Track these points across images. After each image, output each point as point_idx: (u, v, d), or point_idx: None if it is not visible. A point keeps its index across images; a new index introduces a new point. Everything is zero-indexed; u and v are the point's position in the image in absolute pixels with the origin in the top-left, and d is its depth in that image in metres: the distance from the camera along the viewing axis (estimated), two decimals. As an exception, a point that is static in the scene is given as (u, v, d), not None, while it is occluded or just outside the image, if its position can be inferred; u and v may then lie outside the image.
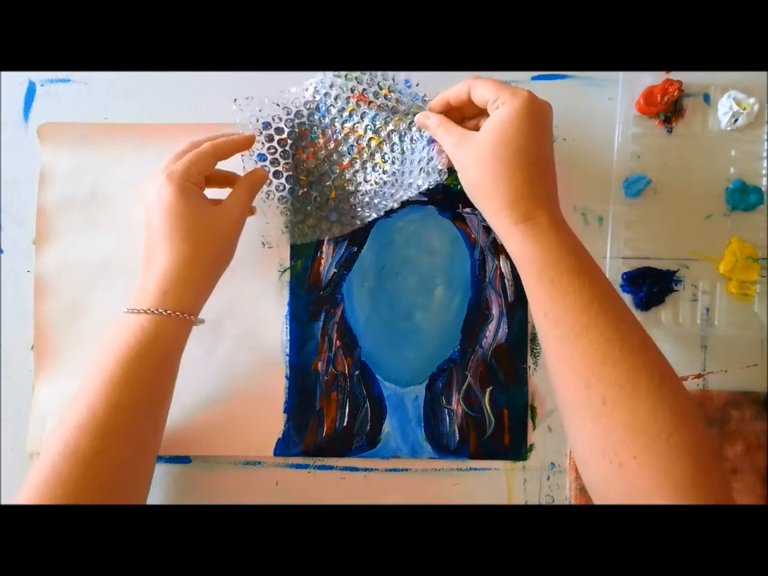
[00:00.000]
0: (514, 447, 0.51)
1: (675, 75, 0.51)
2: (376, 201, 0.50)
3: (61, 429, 0.40)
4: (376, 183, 0.50)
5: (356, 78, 0.49)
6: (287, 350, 0.51)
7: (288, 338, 0.51)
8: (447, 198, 0.52)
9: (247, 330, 0.52)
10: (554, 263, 0.40)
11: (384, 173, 0.50)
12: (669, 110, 0.51)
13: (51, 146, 0.53)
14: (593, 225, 0.52)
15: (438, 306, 0.51)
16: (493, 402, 0.51)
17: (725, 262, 0.51)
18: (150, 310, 0.42)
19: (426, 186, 0.48)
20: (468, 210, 0.52)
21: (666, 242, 0.51)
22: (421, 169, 0.48)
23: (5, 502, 0.51)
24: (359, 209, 0.51)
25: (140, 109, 0.53)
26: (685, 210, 0.51)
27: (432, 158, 0.48)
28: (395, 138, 0.49)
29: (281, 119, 0.50)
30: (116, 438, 0.39)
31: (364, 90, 0.49)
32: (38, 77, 0.53)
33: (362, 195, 0.50)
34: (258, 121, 0.50)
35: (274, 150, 0.50)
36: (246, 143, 0.48)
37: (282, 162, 0.50)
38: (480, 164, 0.42)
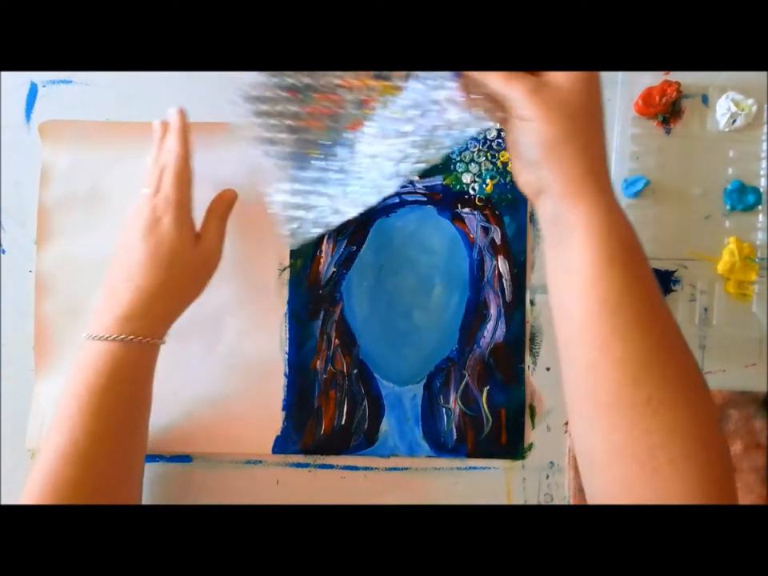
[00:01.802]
0: (511, 446, 0.51)
1: (674, 76, 0.51)
2: (402, 166, 0.42)
3: (42, 458, 0.40)
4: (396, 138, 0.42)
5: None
6: (286, 349, 0.51)
7: (287, 336, 0.52)
8: (446, 197, 0.52)
9: (246, 328, 0.52)
10: (629, 245, 0.36)
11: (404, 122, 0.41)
12: (667, 111, 0.51)
13: (52, 144, 0.53)
14: (592, 225, 0.52)
15: (436, 306, 0.52)
16: (490, 402, 0.51)
17: (723, 262, 0.51)
18: (115, 336, 0.41)
19: (470, 133, 0.41)
20: (467, 209, 0.52)
21: (664, 243, 0.51)
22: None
23: (5, 501, 0.51)
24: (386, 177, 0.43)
25: (141, 110, 0.53)
26: (683, 210, 0.51)
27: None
28: (411, 83, 0.42)
29: (266, 86, 0.43)
30: (99, 466, 0.40)
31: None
32: (40, 77, 0.53)
33: (381, 160, 0.43)
34: (241, 97, 0.43)
35: (268, 126, 0.43)
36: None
37: (282, 136, 0.43)
38: (572, 115, 0.37)
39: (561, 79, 0.38)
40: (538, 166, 0.37)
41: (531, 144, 0.37)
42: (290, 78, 0.43)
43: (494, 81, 0.40)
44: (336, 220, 0.44)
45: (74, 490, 0.39)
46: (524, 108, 0.37)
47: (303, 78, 0.43)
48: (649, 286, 0.36)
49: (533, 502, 0.51)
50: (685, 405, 0.34)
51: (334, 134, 0.43)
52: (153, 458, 0.50)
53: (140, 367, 0.43)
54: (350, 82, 0.42)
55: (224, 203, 0.48)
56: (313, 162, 0.44)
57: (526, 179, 0.39)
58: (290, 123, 0.43)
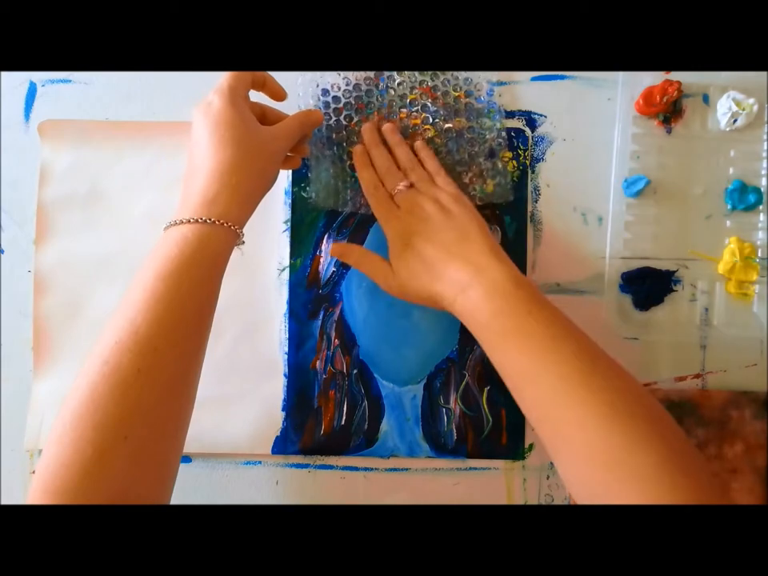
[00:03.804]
0: (512, 447, 0.51)
1: (674, 76, 0.51)
2: None
3: (99, 347, 0.37)
4: None
5: (431, 76, 0.51)
6: (286, 349, 0.51)
7: (287, 336, 0.51)
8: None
9: (246, 328, 0.52)
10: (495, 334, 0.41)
11: None
12: (668, 111, 0.51)
13: (51, 143, 0.53)
14: (592, 225, 0.52)
15: (436, 306, 0.51)
16: (490, 402, 0.51)
17: (724, 262, 0.51)
18: (193, 219, 0.39)
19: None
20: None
21: (665, 242, 0.51)
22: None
23: (5, 501, 0.51)
24: None
25: (140, 109, 0.53)
26: (684, 210, 0.51)
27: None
28: (451, 135, 0.51)
29: (339, 88, 0.52)
30: (159, 356, 0.37)
31: (434, 86, 0.51)
32: (39, 77, 0.53)
33: None
34: (317, 86, 0.52)
35: (328, 118, 0.51)
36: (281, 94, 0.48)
37: (335, 131, 0.52)
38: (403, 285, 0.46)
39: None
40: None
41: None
42: (363, 92, 0.52)
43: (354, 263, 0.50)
44: None
45: (134, 379, 0.35)
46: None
47: (375, 94, 0.52)
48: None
49: (533, 502, 0.51)
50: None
51: None
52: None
53: (215, 255, 0.40)
54: (411, 117, 0.52)
55: (309, 114, 0.48)
56: None
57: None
58: (345, 124, 0.52)
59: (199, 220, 0.39)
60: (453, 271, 0.43)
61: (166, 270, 0.38)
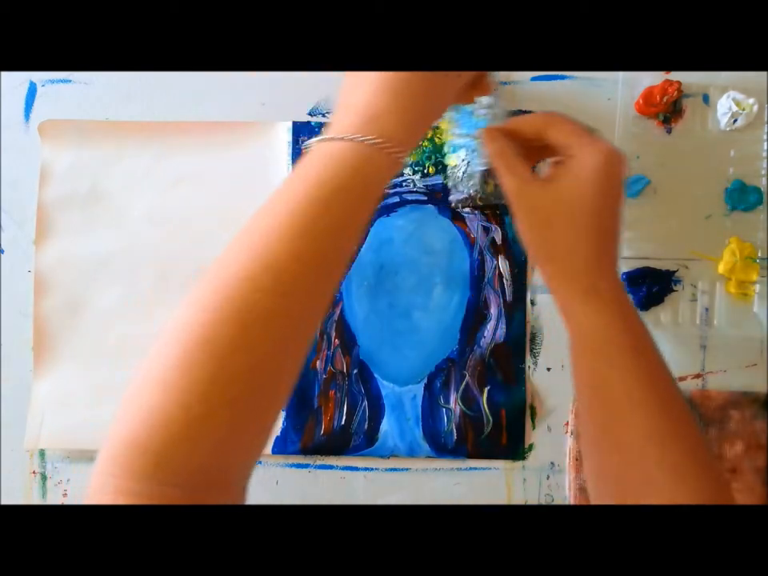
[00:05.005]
0: (512, 447, 0.51)
1: (674, 76, 0.51)
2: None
3: (213, 282, 0.30)
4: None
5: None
6: (287, 350, 0.51)
7: (287, 337, 0.51)
8: (447, 197, 0.52)
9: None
10: (614, 340, 0.37)
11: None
12: (668, 111, 0.51)
13: (52, 143, 0.53)
14: (592, 225, 0.52)
15: (436, 306, 0.51)
16: (491, 402, 0.51)
17: (724, 262, 0.51)
18: (352, 137, 0.32)
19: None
20: (467, 210, 0.52)
21: (665, 242, 0.51)
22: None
23: (5, 501, 0.51)
24: None
25: (141, 109, 0.53)
26: (684, 210, 0.51)
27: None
28: None
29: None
30: (293, 299, 0.30)
31: None
32: (39, 77, 0.53)
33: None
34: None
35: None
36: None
37: None
38: (550, 222, 0.37)
39: (550, 181, 0.38)
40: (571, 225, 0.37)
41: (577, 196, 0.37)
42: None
43: (492, 157, 0.40)
44: None
45: (262, 324, 0.29)
46: (510, 202, 0.39)
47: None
48: (643, 376, 0.37)
49: (533, 502, 0.51)
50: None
51: None
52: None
53: (373, 183, 0.33)
54: None
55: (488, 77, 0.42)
56: None
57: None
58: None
59: (361, 138, 0.32)
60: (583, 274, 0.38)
61: (312, 196, 0.31)
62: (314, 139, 0.33)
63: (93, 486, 0.30)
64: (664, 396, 0.37)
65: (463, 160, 0.49)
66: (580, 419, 0.39)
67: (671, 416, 0.37)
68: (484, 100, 0.46)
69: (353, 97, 0.34)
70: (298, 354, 0.33)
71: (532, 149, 0.41)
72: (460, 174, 0.49)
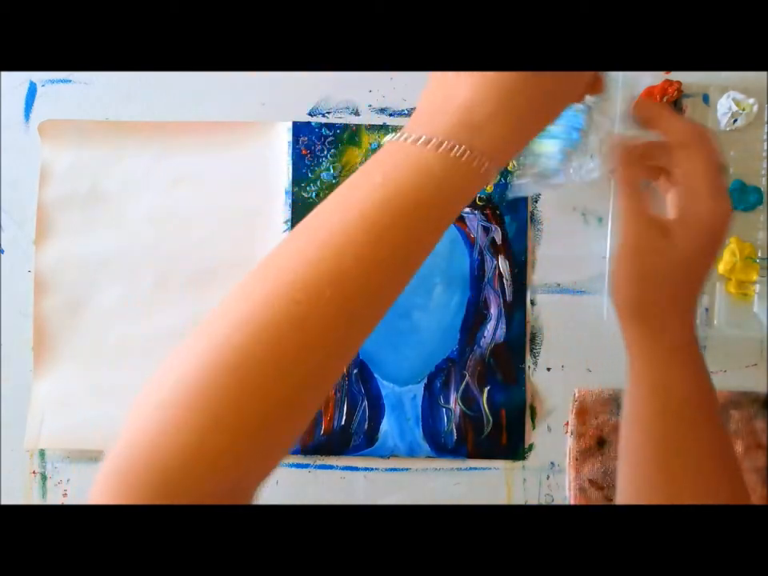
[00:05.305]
0: (512, 447, 0.51)
1: (674, 76, 0.51)
2: None
3: (270, 282, 0.29)
4: None
5: None
6: (287, 350, 0.51)
7: (287, 337, 0.51)
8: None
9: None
10: (696, 399, 0.35)
11: None
12: (668, 110, 0.51)
13: (52, 143, 0.53)
14: (592, 225, 0.52)
15: (436, 306, 0.51)
16: (491, 402, 0.51)
17: (724, 262, 0.51)
18: (443, 147, 0.27)
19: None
20: (468, 209, 0.52)
21: (665, 242, 0.51)
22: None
23: (5, 501, 0.51)
24: None
25: (140, 109, 0.53)
26: (684, 210, 0.51)
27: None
28: None
29: None
30: (363, 305, 0.27)
31: None
32: (39, 77, 0.53)
33: None
34: None
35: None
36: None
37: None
38: (661, 286, 0.34)
39: (672, 225, 0.35)
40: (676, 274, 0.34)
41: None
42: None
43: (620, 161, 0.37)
44: None
45: (333, 329, 0.26)
46: (620, 227, 0.35)
47: None
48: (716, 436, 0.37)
49: (533, 502, 0.51)
50: None
51: None
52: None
53: (459, 194, 0.28)
54: None
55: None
56: None
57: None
58: None
59: (452, 147, 0.27)
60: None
61: (397, 202, 0.27)
62: (398, 136, 0.29)
63: (94, 498, 0.29)
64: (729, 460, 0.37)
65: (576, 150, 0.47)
66: (630, 460, 0.38)
67: (733, 482, 0.37)
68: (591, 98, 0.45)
69: (451, 87, 0.30)
70: (341, 362, 0.30)
71: (652, 169, 0.39)
72: (554, 164, 0.47)
